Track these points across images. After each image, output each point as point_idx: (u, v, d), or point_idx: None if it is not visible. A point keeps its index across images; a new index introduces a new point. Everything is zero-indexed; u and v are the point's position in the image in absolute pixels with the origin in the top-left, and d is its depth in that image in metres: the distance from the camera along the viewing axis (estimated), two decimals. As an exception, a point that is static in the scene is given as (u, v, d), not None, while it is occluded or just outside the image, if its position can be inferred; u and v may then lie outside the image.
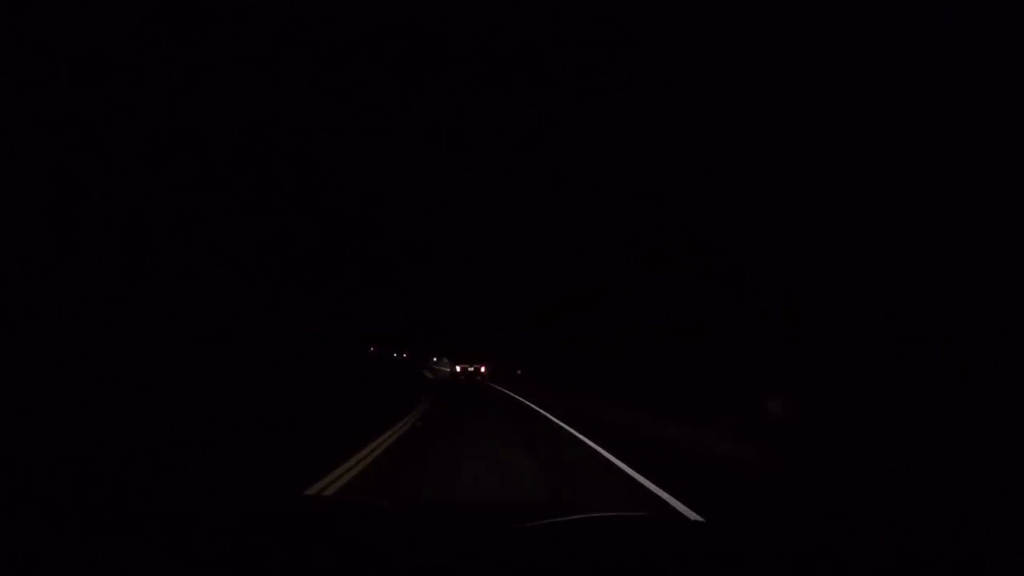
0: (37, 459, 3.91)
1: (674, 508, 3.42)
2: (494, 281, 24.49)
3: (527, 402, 12.19)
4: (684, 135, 7.89)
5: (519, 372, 31.31)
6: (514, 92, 8.47)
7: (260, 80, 7.92)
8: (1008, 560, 1.00)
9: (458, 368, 33.39)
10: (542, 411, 10.00)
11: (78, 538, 0.86)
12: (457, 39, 7.23)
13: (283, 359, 12.09)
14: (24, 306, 5.74)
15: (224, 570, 0.77)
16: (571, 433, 7.18)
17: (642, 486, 4.10)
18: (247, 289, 10.49)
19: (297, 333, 14.42)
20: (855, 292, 5.40)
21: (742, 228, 7.65)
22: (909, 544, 1.19)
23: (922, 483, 3.63)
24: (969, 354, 4.06)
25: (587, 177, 10.84)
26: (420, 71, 8.12)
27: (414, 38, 7.26)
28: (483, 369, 33.65)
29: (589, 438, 6.60)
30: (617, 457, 5.22)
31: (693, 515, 3.29)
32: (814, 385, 5.84)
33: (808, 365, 6.00)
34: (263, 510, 1.17)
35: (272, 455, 4.71)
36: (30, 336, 5.70)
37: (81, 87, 6.24)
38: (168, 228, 7.85)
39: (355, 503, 1.47)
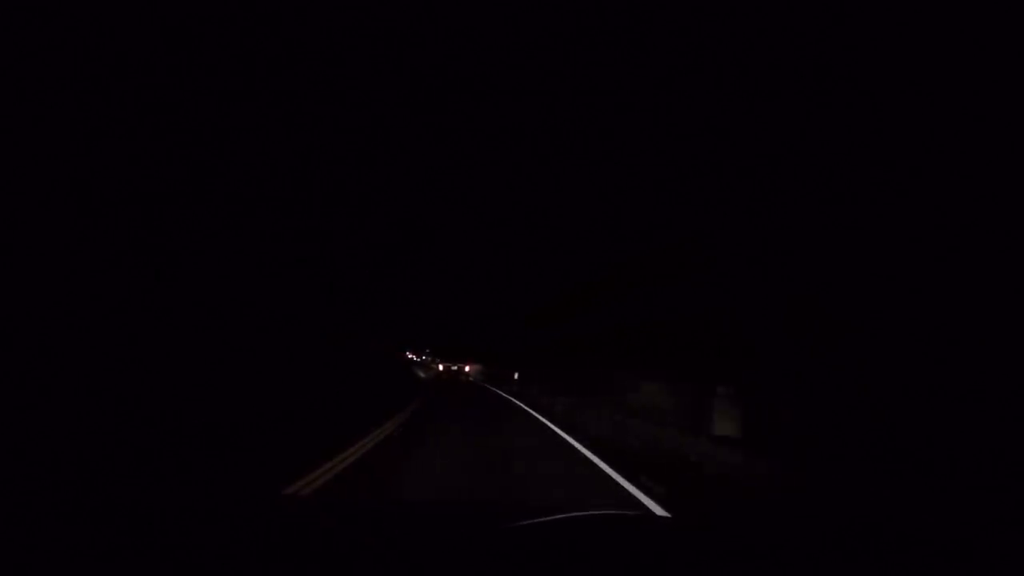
0: (29, 457, 3.89)
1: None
2: (491, 287, 24.51)
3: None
4: (681, 136, 7.88)
5: (467, 370, 34.15)
6: (511, 93, 8.46)
7: (266, 81, 7.91)
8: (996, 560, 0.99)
9: (441, 367, 36.18)
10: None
11: (57, 537, 0.84)
12: (458, 38, 7.22)
13: (283, 361, 12.08)
14: (25, 303, 5.74)
15: (206, 572, 0.75)
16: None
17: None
18: (251, 289, 10.49)
19: (305, 334, 14.41)
20: (856, 293, 5.38)
21: (736, 231, 7.63)
22: (887, 542, 1.17)
23: (908, 483, 3.61)
24: (972, 357, 4.03)
25: (586, 178, 10.83)
26: (422, 69, 8.11)
27: (416, 38, 7.26)
28: (467, 368, 36.03)
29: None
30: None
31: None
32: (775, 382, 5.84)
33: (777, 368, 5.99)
34: (246, 512, 1.15)
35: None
36: (30, 334, 5.69)
37: (85, 82, 6.25)
38: (168, 226, 7.85)
39: (342, 504, 1.45)
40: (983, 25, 4.02)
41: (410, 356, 37.68)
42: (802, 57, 5.60)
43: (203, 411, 6.76)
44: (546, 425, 9.28)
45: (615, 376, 11.71)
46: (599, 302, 14.25)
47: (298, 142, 9.31)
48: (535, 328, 23.34)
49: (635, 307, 11.85)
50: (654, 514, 3.14)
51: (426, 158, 11.03)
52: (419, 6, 6.63)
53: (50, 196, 6.18)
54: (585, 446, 6.62)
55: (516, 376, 24.93)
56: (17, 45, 5.47)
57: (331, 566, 0.79)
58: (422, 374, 32.15)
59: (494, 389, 22.54)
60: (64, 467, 3.68)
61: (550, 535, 1.01)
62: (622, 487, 4.44)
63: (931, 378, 4.30)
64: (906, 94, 4.74)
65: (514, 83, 8.19)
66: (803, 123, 6.03)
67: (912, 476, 3.76)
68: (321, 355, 15.35)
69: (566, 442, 7.17)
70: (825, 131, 5.73)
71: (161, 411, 6.14)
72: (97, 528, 0.90)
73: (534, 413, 11.64)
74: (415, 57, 7.63)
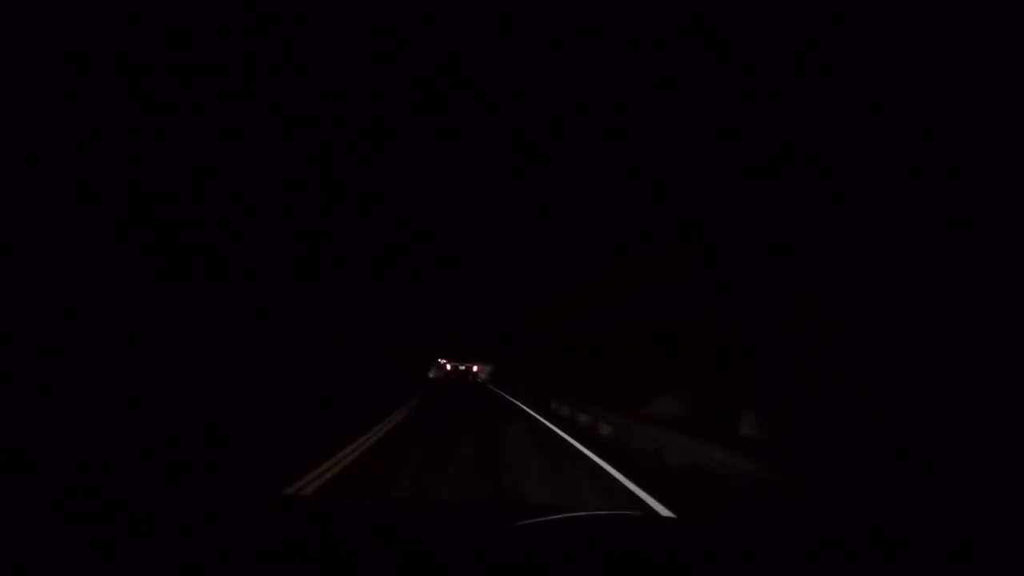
0: (28, 456, 3.89)
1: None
2: (491, 287, 24.48)
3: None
4: (682, 135, 7.88)
5: (475, 370, 34.15)
6: (514, 95, 8.45)
7: (266, 81, 7.91)
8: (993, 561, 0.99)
9: (448, 367, 34.31)
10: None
11: (57, 537, 0.84)
12: (458, 38, 7.21)
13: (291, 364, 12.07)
14: (26, 303, 5.73)
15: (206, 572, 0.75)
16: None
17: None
18: (253, 289, 10.48)
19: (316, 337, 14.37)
20: (858, 294, 5.38)
21: (738, 230, 7.63)
22: (888, 543, 1.17)
23: (908, 485, 3.61)
24: (973, 358, 4.03)
25: (586, 178, 10.83)
26: (422, 69, 8.11)
27: (416, 38, 7.25)
28: (475, 368, 34.59)
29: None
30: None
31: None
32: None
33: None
34: (245, 511, 1.15)
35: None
36: (31, 332, 5.69)
37: (86, 82, 6.25)
38: (168, 225, 7.84)
39: (340, 503, 1.45)
40: (983, 25, 4.02)
41: (443, 363, 35.49)
42: (802, 57, 5.60)
43: (202, 411, 6.76)
44: None
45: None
46: (599, 302, 14.23)
47: (298, 142, 9.30)
48: (539, 327, 23.33)
49: (635, 307, 11.84)
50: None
51: (426, 158, 11.03)
52: (419, 6, 6.62)
53: (50, 196, 6.18)
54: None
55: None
56: (17, 45, 5.47)
57: (331, 566, 0.78)
58: (431, 374, 32.18)
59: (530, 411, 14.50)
60: (64, 467, 3.67)
61: (552, 535, 1.01)
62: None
63: (931, 378, 4.29)
64: (906, 94, 4.74)
65: (514, 83, 8.18)
66: (803, 123, 6.03)
67: (912, 476, 3.75)
68: (321, 355, 15.32)
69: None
70: (825, 131, 5.73)
71: (161, 411, 6.14)
72: (97, 528, 0.89)
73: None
74: (415, 57, 7.62)
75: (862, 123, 5.27)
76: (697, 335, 8.74)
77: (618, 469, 5.68)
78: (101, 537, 0.84)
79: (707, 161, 7.81)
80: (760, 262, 7.19)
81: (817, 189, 6.01)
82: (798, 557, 0.95)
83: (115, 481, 3.42)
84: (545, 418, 11.12)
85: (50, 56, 5.80)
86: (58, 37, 5.81)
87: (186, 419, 6.11)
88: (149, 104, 7.00)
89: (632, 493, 4.72)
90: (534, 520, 1.07)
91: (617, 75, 7.42)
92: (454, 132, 9.82)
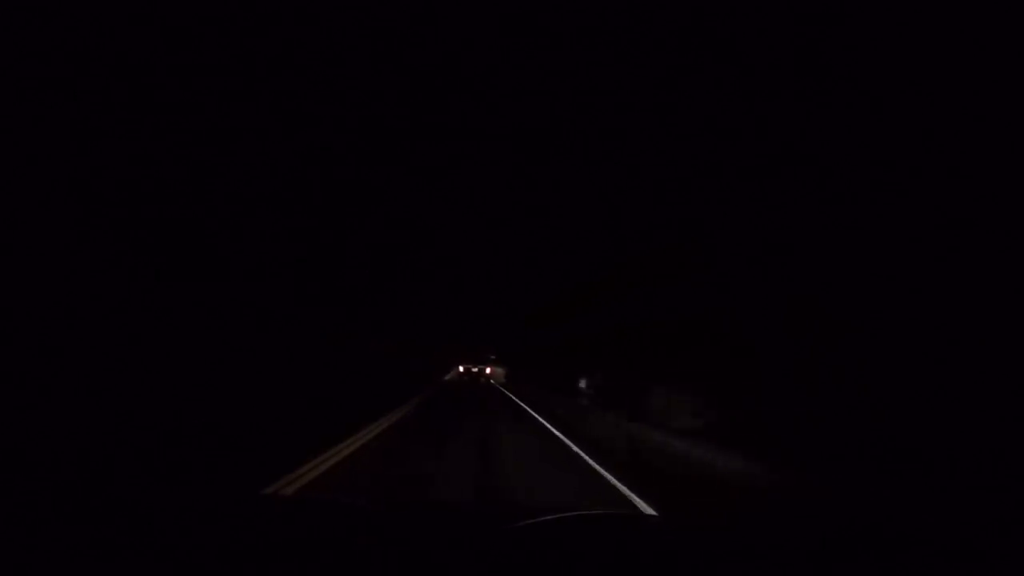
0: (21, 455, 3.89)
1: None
2: (498, 287, 24.43)
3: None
4: (682, 135, 7.87)
5: (488, 371, 36.21)
6: (517, 99, 8.44)
7: (266, 80, 7.91)
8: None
9: (461, 368, 36.30)
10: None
11: (54, 537, 0.83)
12: (458, 38, 7.21)
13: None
14: (26, 303, 5.73)
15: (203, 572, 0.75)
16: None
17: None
18: (255, 291, 10.48)
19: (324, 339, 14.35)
20: (859, 294, 5.38)
21: (740, 229, 7.63)
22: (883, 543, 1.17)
23: (905, 485, 3.60)
24: (974, 359, 4.03)
25: (586, 178, 10.82)
26: (422, 69, 8.10)
27: (416, 38, 7.24)
28: (488, 370, 36.16)
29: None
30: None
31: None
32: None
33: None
34: (245, 511, 1.15)
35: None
36: (30, 333, 5.69)
37: (85, 82, 6.25)
38: (168, 225, 7.84)
39: (339, 504, 1.45)
40: (983, 25, 4.02)
41: (458, 365, 35.56)
42: (802, 57, 5.59)
43: (201, 411, 6.76)
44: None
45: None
46: (599, 302, 14.25)
47: (298, 142, 9.30)
48: (539, 327, 23.32)
49: (635, 307, 11.86)
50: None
51: (426, 158, 11.02)
52: (419, 6, 6.62)
53: (50, 196, 6.18)
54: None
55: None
56: (17, 45, 5.47)
57: (330, 567, 0.78)
58: (447, 377, 33.22)
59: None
60: (63, 467, 3.67)
61: (542, 536, 1.01)
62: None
63: (931, 378, 4.29)
64: (906, 94, 4.74)
65: (514, 83, 8.17)
66: (803, 123, 6.03)
67: (912, 476, 3.75)
68: (321, 355, 15.31)
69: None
70: (825, 131, 5.73)
71: (161, 411, 6.14)
72: (95, 528, 0.89)
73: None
74: (415, 57, 7.62)
75: (862, 123, 5.27)
76: (697, 335, 8.74)
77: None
78: (99, 537, 0.84)
79: (707, 161, 7.80)
80: (760, 262, 7.19)
81: (817, 189, 6.01)
82: (792, 557, 0.95)
83: (114, 481, 3.42)
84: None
85: (50, 56, 5.80)
86: (58, 37, 5.80)
87: (185, 419, 6.11)
88: (149, 104, 7.00)
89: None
90: (525, 522, 1.07)
91: (617, 75, 7.41)
92: (454, 132, 9.80)
